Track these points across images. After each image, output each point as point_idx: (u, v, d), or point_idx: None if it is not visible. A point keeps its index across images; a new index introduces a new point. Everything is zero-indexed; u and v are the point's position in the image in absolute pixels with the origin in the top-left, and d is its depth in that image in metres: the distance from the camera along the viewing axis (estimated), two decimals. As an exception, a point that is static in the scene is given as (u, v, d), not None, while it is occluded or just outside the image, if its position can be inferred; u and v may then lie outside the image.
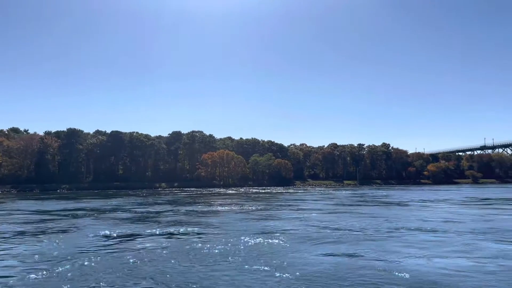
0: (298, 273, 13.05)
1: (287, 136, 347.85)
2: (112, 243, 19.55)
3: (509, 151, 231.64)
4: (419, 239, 21.14)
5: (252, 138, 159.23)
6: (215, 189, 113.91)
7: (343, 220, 30.46)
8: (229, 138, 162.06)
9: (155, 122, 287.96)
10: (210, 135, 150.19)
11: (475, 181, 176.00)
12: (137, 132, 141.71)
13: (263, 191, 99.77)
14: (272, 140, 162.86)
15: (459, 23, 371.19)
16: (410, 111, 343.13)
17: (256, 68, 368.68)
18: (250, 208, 44.66)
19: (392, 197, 69.20)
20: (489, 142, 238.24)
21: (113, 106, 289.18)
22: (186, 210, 41.86)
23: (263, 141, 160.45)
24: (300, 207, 46.50)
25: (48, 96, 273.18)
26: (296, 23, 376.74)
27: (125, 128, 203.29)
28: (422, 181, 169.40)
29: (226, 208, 44.85)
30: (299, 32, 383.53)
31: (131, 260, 15.13)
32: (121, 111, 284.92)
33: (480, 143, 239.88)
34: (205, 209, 43.35)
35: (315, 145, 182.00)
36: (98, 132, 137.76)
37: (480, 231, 25.04)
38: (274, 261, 14.88)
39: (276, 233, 22.76)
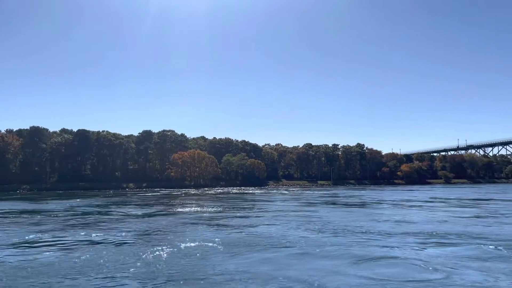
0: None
1: (263, 136, 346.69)
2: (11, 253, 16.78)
3: (481, 152, 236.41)
4: (354, 242, 19.23)
5: (225, 137, 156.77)
6: (185, 189, 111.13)
7: (291, 223, 28.46)
8: (202, 137, 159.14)
9: (128, 122, 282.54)
10: (182, 135, 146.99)
11: (447, 181, 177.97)
12: (107, 131, 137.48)
13: (234, 191, 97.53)
14: (246, 140, 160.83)
15: (437, 24, 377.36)
16: (387, 111, 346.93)
17: (233, 68, 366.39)
18: (206, 210, 42.29)
19: (361, 197, 67.88)
20: (462, 143, 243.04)
21: (86, 105, 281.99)
22: (137, 212, 39.25)
23: (237, 141, 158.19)
24: (262, 208, 44.51)
25: (12, 94, 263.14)
26: (275, 22, 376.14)
27: (97, 128, 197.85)
28: (395, 181, 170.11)
29: (180, 210, 42.43)
30: (277, 31, 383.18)
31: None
32: (94, 111, 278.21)
33: (454, 144, 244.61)
34: (156, 211, 40.85)
35: (291, 145, 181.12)
36: (64, 131, 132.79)
37: (424, 234, 23.42)
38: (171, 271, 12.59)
39: (209, 239, 20.56)
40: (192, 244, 18.31)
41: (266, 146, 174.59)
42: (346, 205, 49.66)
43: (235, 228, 25.26)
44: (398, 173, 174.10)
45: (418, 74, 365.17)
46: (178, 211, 39.93)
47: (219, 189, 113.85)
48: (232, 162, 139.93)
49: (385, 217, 34.10)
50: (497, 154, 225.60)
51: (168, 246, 17.68)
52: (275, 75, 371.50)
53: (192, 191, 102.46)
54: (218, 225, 27.68)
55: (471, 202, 52.44)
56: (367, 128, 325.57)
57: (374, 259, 15.08)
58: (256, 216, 34.19)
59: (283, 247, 17.82)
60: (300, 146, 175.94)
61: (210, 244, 18.47)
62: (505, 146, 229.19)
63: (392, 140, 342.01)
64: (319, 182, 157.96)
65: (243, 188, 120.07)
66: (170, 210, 42.90)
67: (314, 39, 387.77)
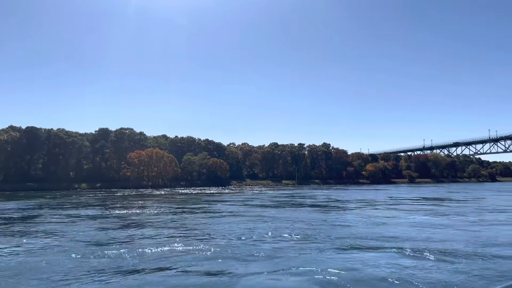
0: None
1: (230, 135, 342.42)
2: None
3: (446, 151, 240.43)
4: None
5: (187, 136, 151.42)
6: (142, 190, 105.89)
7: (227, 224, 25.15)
8: (164, 136, 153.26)
9: (90, 121, 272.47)
10: (141, 133, 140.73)
11: (412, 181, 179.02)
12: (60, 129, 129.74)
13: (193, 192, 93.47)
14: (210, 139, 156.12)
15: (405, 23, 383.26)
16: (356, 112, 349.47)
17: (203, 67, 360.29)
18: (148, 211, 38.67)
19: (317, 197, 65.38)
20: (428, 144, 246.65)
21: (44, 104, 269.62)
22: (72, 214, 34.87)
23: (200, 139, 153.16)
24: (210, 209, 41.21)
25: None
26: (240, 20, 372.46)
27: (57, 126, 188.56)
28: (360, 181, 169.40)
29: (118, 212, 38.56)
30: (249, 31, 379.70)
31: None
32: (51, 110, 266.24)
33: (420, 144, 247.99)
34: (90, 213, 36.73)
35: (259, 144, 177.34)
36: (12, 128, 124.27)
37: (347, 238, 20.64)
38: None
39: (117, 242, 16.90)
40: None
41: (231, 145, 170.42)
42: (296, 205, 46.60)
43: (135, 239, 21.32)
44: (363, 172, 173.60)
45: (389, 74, 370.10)
46: (123, 214, 35.80)
47: (178, 189, 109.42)
48: (194, 162, 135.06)
49: (323, 218, 31.23)
50: (460, 154, 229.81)
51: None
52: (244, 74, 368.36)
53: (151, 191, 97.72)
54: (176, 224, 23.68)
55: (425, 203, 50.41)
56: (335, 128, 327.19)
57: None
58: (185, 219, 30.32)
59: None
60: (266, 145, 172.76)
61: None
62: (468, 146, 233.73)
63: (360, 141, 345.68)
64: (284, 181, 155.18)
65: (204, 188, 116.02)
66: (116, 211, 38.48)
67: (285, 38, 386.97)
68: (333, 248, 18.60)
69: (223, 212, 38.18)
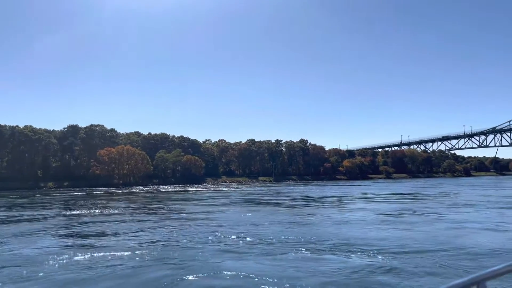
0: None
1: (207, 132, 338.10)
2: None
3: (422, 147, 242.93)
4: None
5: (161, 133, 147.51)
6: (113, 188, 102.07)
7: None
8: (136, 133, 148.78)
9: (57, 117, 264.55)
10: (112, 129, 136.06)
11: (388, 176, 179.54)
12: (28, 126, 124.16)
13: (162, 190, 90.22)
14: (185, 136, 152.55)
15: (383, 21, 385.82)
16: (334, 108, 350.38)
17: (180, 63, 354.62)
18: (102, 212, 35.93)
19: (287, 194, 63.43)
20: (405, 139, 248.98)
21: (11, 101, 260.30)
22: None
23: (174, 136, 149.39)
24: (171, 209, 38.74)
25: None
26: (217, 17, 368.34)
27: (19, 123, 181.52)
28: (337, 176, 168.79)
29: (69, 213, 35.51)
30: (221, 26, 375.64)
31: None
32: (19, 107, 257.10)
33: (397, 140, 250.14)
34: (34, 214, 33.61)
35: (236, 141, 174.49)
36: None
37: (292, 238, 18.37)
38: None
39: None
40: None
41: (207, 142, 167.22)
42: (263, 203, 44.39)
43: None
44: (340, 168, 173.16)
45: (368, 71, 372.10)
46: (73, 214, 32.53)
47: (150, 187, 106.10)
48: (167, 159, 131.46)
49: (282, 218, 28.94)
50: (436, 150, 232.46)
51: None
52: (221, 71, 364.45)
53: (118, 190, 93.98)
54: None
55: (396, 199, 48.92)
56: (314, 125, 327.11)
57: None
58: (141, 221, 27.59)
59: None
60: (243, 142, 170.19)
61: None
62: (444, 142, 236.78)
63: (339, 137, 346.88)
64: (260, 178, 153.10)
65: (178, 186, 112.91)
66: (66, 211, 35.16)
67: (262, 34, 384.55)
68: (276, 250, 16.33)
69: (183, 211, 35.77)
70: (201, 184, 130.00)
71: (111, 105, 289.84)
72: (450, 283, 1.21)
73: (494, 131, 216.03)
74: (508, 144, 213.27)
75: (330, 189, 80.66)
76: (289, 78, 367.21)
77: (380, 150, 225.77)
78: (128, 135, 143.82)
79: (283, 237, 20.34)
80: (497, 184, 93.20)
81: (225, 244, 18.53)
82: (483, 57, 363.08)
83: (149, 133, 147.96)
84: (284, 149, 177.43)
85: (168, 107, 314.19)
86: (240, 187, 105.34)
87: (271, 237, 20.14)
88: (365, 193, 62.76)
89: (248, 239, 19.85)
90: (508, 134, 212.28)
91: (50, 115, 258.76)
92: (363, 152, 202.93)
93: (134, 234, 22.25)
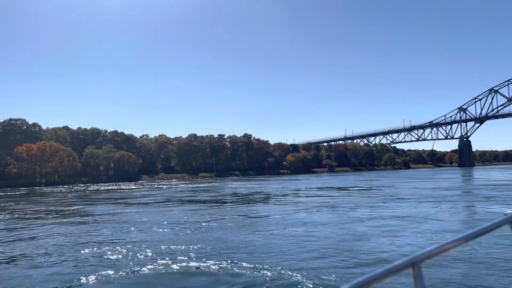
0: None
1: (146, 127, 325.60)
2: None
3: (365, 141, 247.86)
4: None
5: (92, 127, 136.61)
6: (36, 188, 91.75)
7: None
8: (65, 127, 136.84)
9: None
10: (35, 124, 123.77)
11: (331, 170, 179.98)
12: None
13: (93, 189, 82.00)
14: (120, 131, 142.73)
15: (326, 18, 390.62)
16: (281, 103, 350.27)
17: (124, 58, 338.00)
18: None
19: (218, 191, 58.25)
20: (349, 134, 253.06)
21: None
22: None
23: (106, 131, 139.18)
24: (77, 212, 32.26)
25: None
26: (156, 12, 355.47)
27: None
28: (281, 171, 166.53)
29: None
30: (165, 20, 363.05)
31: None
32: None
33: (342, 134, 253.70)
34: None
35: (177, 136, 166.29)
36: None
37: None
38: None
39: None
40: None
41: (144, 137, 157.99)
42: (185, 202, 38.82)
43: None
44: (284, 163, 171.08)
45: (314, 67, 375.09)
46: None
47: (77, 186, 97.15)
48: (97, 155, 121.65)
49: (189, 219, 23.72)
50: (378, 143, 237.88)
51: None
52: (163, 65, 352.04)
53: (38, 190, 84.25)
54: None
55: (327, 194, 45.36)
56: (261, 120, 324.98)
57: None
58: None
59: None
60: (184, 137, 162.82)
61: None
62: (385, 136, 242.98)
63: (287, 132, 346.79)
64: (201, 174, 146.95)
65: (109, 184, 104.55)
66: None
67: (205, 27, 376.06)
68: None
69: (90, 214, 29.60)
70: (136, 181, 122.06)
71: (36, 99, 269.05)
72: (387, 266, 1.24)
73: (431, 125, 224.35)
74: (444, 138, 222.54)
75: (268, 184, 76.79)
76: (234, 73, 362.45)
77: (325, 144, 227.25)
78: (54, 130, 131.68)
79: (163, 246, 15.16)
80: (432, 176, 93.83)
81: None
82: (421, 56, 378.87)
83: (78, 127, 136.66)
84: (228, 144, 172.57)
85: (104, 102, 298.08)
86: (177, 184, 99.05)
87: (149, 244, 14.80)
88: (304, 188, 59.08)
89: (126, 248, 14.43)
90: (444, 127, 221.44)
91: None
92: (308, 146, 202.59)
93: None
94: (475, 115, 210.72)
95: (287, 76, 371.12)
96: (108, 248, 16.10)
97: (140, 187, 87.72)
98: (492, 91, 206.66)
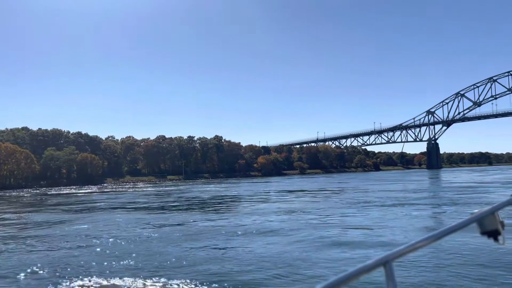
0: None
1: (113, 128, 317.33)
2: None
3: (337, 143, 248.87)
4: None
5: (53, 128, 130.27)
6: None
7: None
8: (24, 128, 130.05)
9: None
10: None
11: (302, 172, 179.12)
12: None
13: (52, 193, 77.43)
14: (84, 132, 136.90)
15: (307, 20, 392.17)
16: (254, 106, 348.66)
17: (89, 58, 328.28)
18: None
19: (184, 194, 55.29)
20: (321, 136, 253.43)
21: None
22: None
23: (68, 132, 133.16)
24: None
25: None
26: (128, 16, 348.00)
27: None
28: (252, 173, 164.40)
29: None
30: (128, 24, 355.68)
31: None
32: None
33: (314, 136, 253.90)
34: None
35: (146, 138, 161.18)
36: None
37: None
38: None
39: None
40: None
41: (110, 138, 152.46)
42: (129, 209, 35.55)
43: None
44: (255, 165, 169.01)
45: (289, 71, 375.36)
46: None
47: (35, 190, 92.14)
48: (58, 157, 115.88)
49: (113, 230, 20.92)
50: (349, 145, 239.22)
51: None
52: (132, 65, 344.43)
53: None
54: None
55: (289, 198, 43.25)
56: (234, 123, 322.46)
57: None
58: None
59: None
60: (152, 138, 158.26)
61: None
62: (356, 138, 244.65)
63: (261, 135, 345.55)
64: (170, 177, 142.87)
65: (69, 188, 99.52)
66: None
67: (178, 29, 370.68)
68: None
69: (22, 223, 26.40)
70: (100, 185, 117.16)
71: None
72: (359, 266, 1.27)
73: (401, 127, 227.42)
74: (413, 140, 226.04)
75: (235, 188, 74.39)
76: (206, 74, 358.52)
77: (297, 146, 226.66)
78: (12, 131, 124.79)
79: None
80: (400, 179, 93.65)
81: None
82: (392, 60, 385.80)
83: (39, 128, 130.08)
84: (198, 146, 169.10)
85: (72, 103, 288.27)
86: (142, 187, 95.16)
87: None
88: (269, 192, 56.85)
89: None
90: (413, 130, 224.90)
91: None
92: (280, 148, 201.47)
93: None
94: (442, 118, 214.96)
95: (261, 78, 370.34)
96: (12, 266, 13.25)
97: (102, 190, 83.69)
98: (459, 95, 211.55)
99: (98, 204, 43.39)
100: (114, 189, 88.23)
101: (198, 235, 19.51)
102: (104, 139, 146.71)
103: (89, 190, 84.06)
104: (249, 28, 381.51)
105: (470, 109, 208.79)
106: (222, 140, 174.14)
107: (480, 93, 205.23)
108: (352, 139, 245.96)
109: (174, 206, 38.11)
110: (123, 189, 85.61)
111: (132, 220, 27.03)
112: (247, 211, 30.72)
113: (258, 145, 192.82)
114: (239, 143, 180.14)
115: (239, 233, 19.51)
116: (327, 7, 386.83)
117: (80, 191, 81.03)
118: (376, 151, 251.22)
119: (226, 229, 20.88)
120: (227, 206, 35.99)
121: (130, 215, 30.14)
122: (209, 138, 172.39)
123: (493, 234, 1.52)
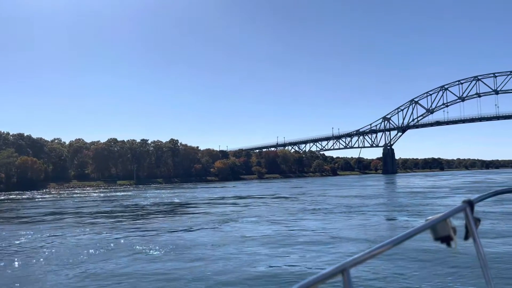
0: None
1: (60, 131, 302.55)
2: None
3: (296, 148, 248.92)
4: None
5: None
6: None
7: None
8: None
9: None
10: None
11: (261, 177, 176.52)
12: None
13: None
14: (26, 134, 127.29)
15: (265, 25, 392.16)
16: (213, 109, 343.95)
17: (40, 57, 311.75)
18: None
19: (125, 201, 50.39)
20: (281, 141, 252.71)
21: None
22: None
23: (8, 133, 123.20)
24: None
25: None
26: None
27: None
28: (209, 178, 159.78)
29: None
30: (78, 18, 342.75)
31: None
32: None
33: (274, 141, 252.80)
34: None
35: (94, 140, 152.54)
36: None
37: None
38: None
39: None
40: None
41: (56, 140, 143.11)
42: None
43: None
44: (212, 169, 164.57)
45: (251, 75, 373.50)
46: None
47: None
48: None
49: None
50: (308, 150, 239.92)
51: None
52: (83, 62, 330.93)
53: None
54: None
55: (233, 206, 39.83)
56: (193, 126, 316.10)
57: None
58: None
59: None
60: (102, 141, 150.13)
61: None
62: (315, 143, 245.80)
63: (220, 139, 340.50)
64: (120, 182, 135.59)
65: (8, 193, 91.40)
66: None
67: (133, 26, 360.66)
68: None
69: None
70: (43, 190, 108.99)
71: None
72: (318, 274, 1.26)
73: (358, 133, 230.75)
74: (370, 145, 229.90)
75: (186, 193, 70.47)
76: (163, 75, 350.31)
77: (257, 150, 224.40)
78: None
79: None
80: (356, 184, 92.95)
81: None
82: (349, 66, 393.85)
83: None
84: (152, 149, 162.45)
85: (16, 104, 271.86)
86: (89, 192, 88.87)
87: None
88: (213, 198, 53.18)
89: None
90: (369, 136, 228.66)
91: None
92: (238, 153, 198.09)
93: None
94: (397, 124, 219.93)
95: (222, 81, 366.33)
96: None
97: (44, 196, 77.07)
98: (413, 102, 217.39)
99: (33, 211, 38.06)
100: (58, 195, 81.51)
101: (129, 249, 15.66)
102: (49, 141, 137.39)
103: (32, 196, 77.06)
104: (210, 27, 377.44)
105: (424, 116, 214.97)
106: (178, 144, 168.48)
107: (432, 101, 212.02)
108: (311, 144, 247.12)
109: (111, 213, 33.67)
110: (69, 195, 78.97)
111: (46, 232, 22.58)
112: (191, 218, 27.05)
113: (217, 149, 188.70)
114: (197, 147, 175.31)
115: (145, 249, 15.78)
116: (278, 7, 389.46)
117: (17, 197, 73.89)
118: (334, 156, 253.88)
119: (134, 244, 17.07)
120: (173, 213, 32.11)
121: (50, 226, 25.59)
122: (164, 141, 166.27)
123: (446, 239, 1.57)
